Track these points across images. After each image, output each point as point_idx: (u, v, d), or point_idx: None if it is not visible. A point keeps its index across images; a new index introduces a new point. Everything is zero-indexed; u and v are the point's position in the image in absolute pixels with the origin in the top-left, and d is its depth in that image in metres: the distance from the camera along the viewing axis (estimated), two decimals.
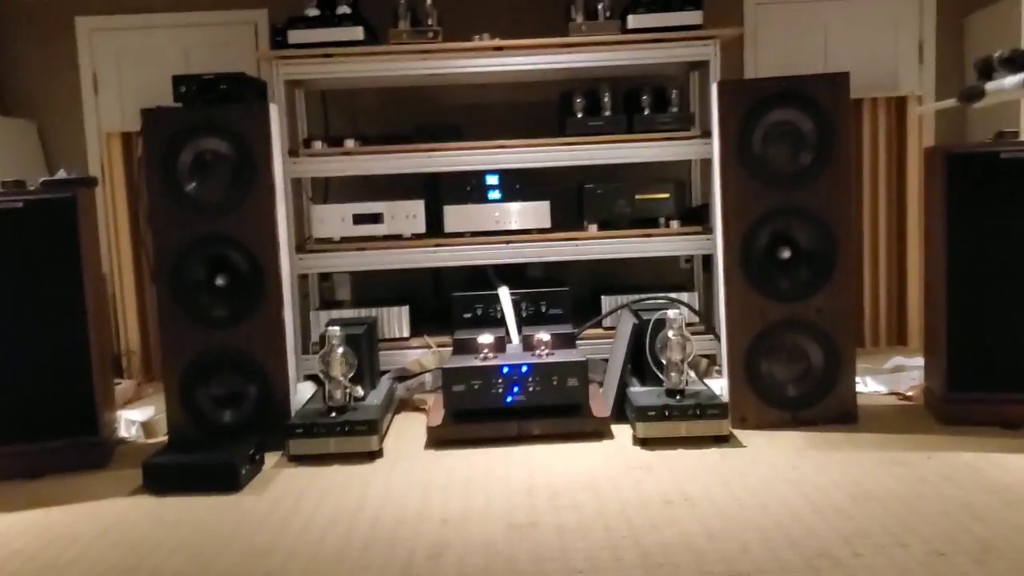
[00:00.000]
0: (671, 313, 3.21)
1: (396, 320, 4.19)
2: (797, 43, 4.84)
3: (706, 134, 4.06)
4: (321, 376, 3.25)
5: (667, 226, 4.19)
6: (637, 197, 4.20)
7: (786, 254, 3.27)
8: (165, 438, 3.37)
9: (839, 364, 3.28)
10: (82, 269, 3.13)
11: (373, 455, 3.11)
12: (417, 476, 2.91)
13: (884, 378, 3.83)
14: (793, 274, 3.29)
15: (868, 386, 3.74)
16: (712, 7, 4.29)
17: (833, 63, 4.77)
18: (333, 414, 3.18)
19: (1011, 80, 2.54)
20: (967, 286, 3.18)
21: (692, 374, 3.37)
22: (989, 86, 2.64)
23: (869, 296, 4.67)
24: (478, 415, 3.26)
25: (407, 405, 3.81)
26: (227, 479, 2.85)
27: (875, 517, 2.39)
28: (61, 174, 3.48)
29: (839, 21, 4.83)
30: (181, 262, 3.26)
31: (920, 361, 3.64)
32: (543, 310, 4.11)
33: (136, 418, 3.61)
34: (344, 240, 4.17)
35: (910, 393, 3.63)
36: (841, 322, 3.28)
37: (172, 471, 2.89)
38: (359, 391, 3.26)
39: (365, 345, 3.52)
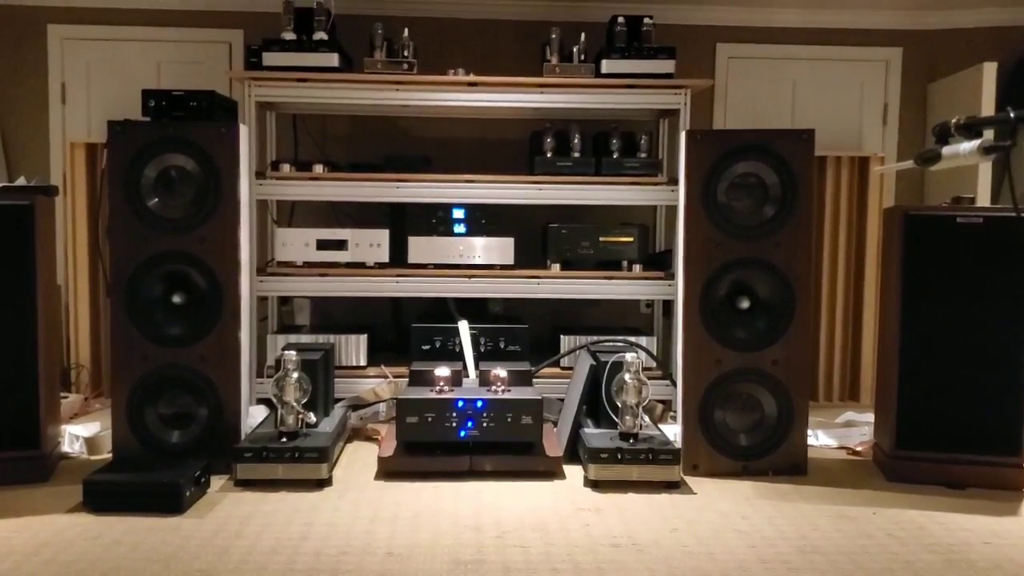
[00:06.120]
0: (629, 356, 3.23)
1: (354, 348, 4.16)
2: (766, 98, 4.94)
3: (672, 181, 4.10)
4: (274, 400, 3.21)
5: (629, 269, 4.22)
6: (601, 239, 4.23)
7: (745, 304, 3.30)
8: (109, 455, 3.30)
9: (792, 416, 3.30)
10: (36, 277, 3.08)
11: (322, 483, 3.07)
12: (365, 507, 2.87)
13: (835, 432, 3.86)
14: (751, 324, 3.32)
15: (819, 439, 3.77)
16: (685, 57, 4.37)
17: (800, 120, 4.87)
18: (284, 439, 3.13)
19: (966, 146, 2.62)
20: (919, 346, 3.22)
21: (647, 419, 3.38)
22: (945, 150, 2.71)
23: (824, 351, 4.72)
24: (430, 448, 3.23)
25: (360, 434, 3.78)
26: (170, 500, 2.79)
27: (820, 570, 2.40)
28: (21, 181, 3.43)
29: (808, 79, 4.94)
30: (138, 277, 3.21)
31: (871, 417, 3.68)
32: (501, 346, 4.11)
33: (81, 433, 3.53)
34: (306, 265, 4.14)
35: (859, 448, 3.66)
36: (796, 374, 3.31)
37: (114, 489, 2.83)
38: (312, 417, 3.22)
39: (321, 371, 3.48)
